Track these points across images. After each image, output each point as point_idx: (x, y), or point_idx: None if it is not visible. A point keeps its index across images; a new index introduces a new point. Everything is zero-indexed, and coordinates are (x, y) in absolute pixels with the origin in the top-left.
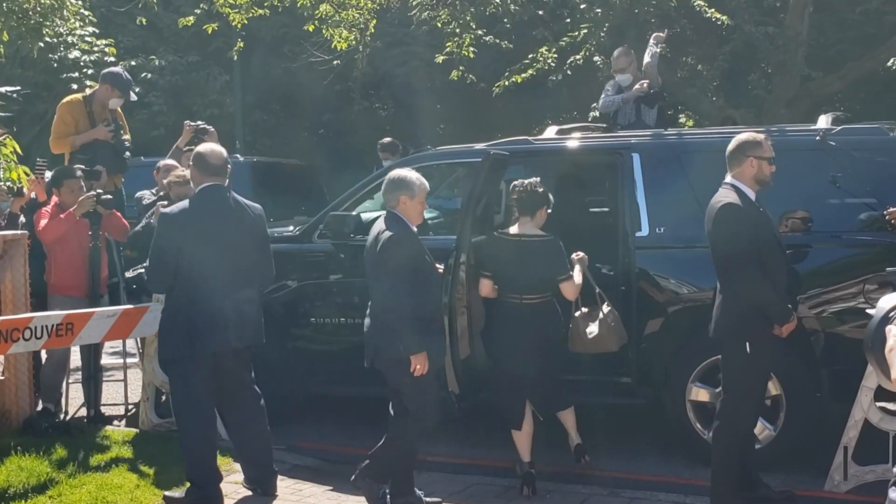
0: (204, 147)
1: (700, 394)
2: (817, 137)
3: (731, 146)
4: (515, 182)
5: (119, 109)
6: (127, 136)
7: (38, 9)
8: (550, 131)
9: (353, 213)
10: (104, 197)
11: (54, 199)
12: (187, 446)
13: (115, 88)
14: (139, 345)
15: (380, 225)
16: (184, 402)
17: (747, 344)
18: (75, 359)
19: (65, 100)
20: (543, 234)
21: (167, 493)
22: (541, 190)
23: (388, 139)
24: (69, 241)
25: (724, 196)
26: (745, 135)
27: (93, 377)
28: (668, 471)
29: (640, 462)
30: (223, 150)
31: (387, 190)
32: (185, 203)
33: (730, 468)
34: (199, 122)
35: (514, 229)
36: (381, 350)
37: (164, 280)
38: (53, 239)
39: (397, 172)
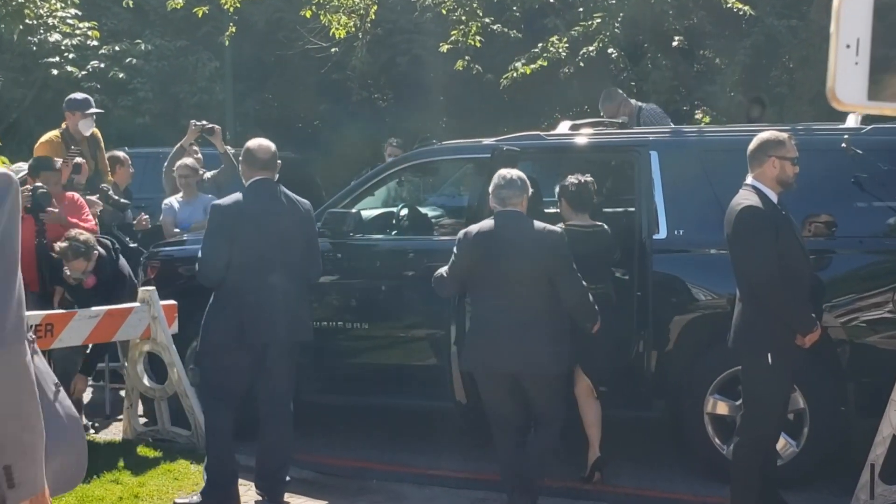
0: (252, 142)
1: (719, 406)
2: (842, 144)
3: (752, 145)
4: (570, 178)
5: (100, 140)
6: (110, 180)
7: None
8: (563, 126)
9: (353, 210)
10: (41, 191)
11: None
12: (212, 440)
13: (75, 111)
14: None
15: (514, 222)
16: (215, 395)
17: (769, 355)
18: None
19: (42, 139)
20: (599, 223)
21: (178, 499)
22: (594, 188)
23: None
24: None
25: (745, 198)
26: (767, 133)
27: None
28: (685, 488)
29: (654, 478)
30: (271, 144)
31: (517, 188)
32: (237, 195)
33: (750, 485)
34: (204, 122)
35: (580, 221)
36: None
37: (218, 272)
38: None
39: (517, 173)
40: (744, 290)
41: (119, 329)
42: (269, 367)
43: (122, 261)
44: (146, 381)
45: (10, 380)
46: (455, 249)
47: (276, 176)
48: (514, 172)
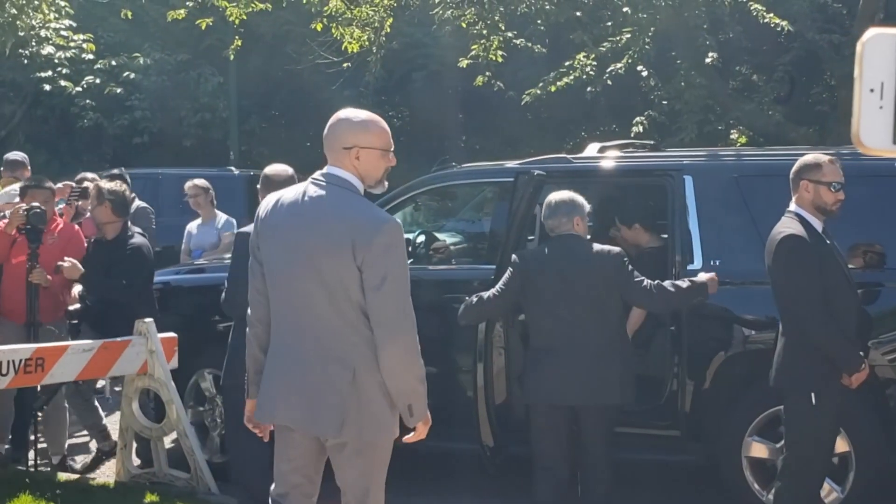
0: (269, 168)
1: (758, 449)
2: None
3: (793, 168)
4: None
5: None
6: None
7: (14, 1)
8: (592, 149)
9: None
10: (35, 211)
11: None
12: (249, 470)
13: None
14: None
15: (568, 247)
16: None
17: (812, 394)
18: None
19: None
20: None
21: None
22: None
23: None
24: (17, 258)
25: (786, 226)
26: (807, 156)
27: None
28: None
29: None
30: (288, 168)
31: (562, 212)
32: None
33: None
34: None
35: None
36: None
37: (245, 301)
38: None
39: (568, 195)
40: (786, 324)
41: (114, 364)
42: None
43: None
44: (142, 419)
45: (413, 353)
46: (507, 273)
47: None
48: (562, 195)
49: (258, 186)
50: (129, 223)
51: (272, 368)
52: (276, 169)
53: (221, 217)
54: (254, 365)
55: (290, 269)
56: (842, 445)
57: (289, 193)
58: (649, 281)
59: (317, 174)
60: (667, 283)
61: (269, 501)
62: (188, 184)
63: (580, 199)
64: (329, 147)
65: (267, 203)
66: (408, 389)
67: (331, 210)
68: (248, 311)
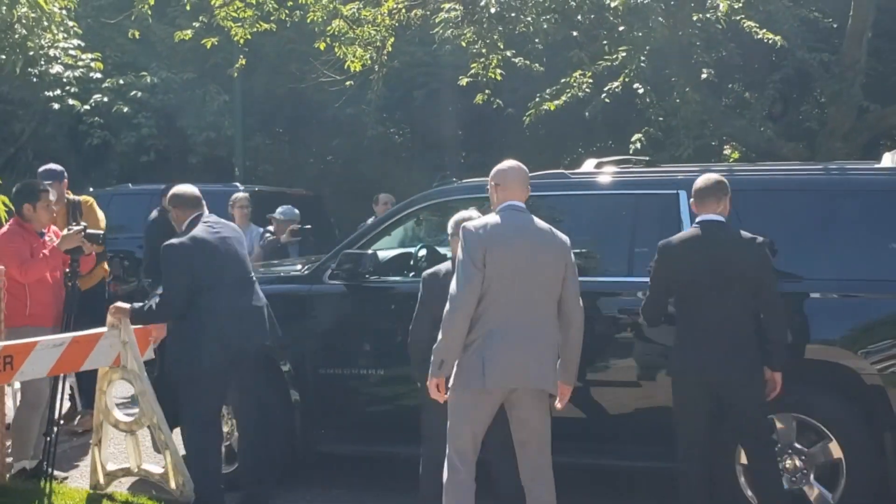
0: (178, 188)
1: None
2: None
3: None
4: None
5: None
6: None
7: (24, 21)
8: (588, 165)
9: (370, 251)
10: (90, 231)
11: (12, 223)
12: (203, 462)
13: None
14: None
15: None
16: (199, 418)
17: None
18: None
19: None
20: None
21: None
22: None
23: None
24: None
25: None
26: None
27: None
28: None
29: None
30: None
31: None
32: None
33: None
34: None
35: None
36: None
37: (183, 304)
38: (37, 279)
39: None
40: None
41: (87, 357)
42: (241, 377)
43: None
44: (116, 413)
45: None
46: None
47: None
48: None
49: (171, 206)
50: None
51: (497, 346)
52: (185, 189)
53: (256, 228)
54: (457, 348)
55: (520, 272)
56: (834, 452)
57: (509, 218)
58: None
59: (516, 205)
60: None
61: (448, 457)
62: (240, 195)
63: None
64: (522, 184)
65: (486, 223)
66: (579, 355)
67: (549, 232)
68: (460, 304)
